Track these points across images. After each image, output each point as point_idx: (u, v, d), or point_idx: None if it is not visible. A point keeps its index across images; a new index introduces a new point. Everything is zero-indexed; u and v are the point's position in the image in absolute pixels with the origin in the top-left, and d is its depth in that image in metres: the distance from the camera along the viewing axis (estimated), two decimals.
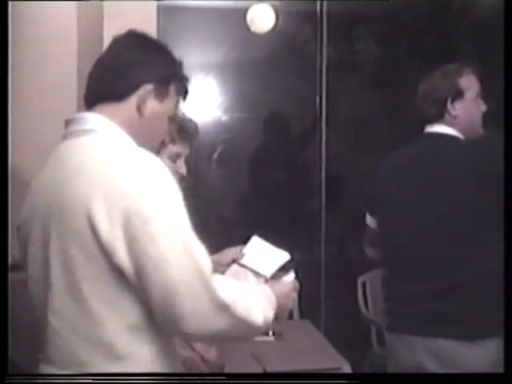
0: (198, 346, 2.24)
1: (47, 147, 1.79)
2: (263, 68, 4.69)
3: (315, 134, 4.71)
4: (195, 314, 1.60)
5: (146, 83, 1.75)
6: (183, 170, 2.26)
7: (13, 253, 1.93)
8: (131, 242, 1.57)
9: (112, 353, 1.64)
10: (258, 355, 3.08)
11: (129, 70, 1.76)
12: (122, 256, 1.58)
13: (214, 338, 1.77)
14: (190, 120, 2.32)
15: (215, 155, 4.65)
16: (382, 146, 4.38)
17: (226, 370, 2.44)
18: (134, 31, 1.83)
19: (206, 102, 4.65)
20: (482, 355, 2.56)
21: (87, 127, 1.72)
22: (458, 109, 2.70)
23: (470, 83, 2.75)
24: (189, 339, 1.71)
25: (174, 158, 2.24)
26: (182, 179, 2.23)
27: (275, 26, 4.67)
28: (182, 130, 2.26)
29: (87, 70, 1.82)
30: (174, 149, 2.24)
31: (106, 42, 1.81)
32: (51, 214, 1.66)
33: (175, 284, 1.58)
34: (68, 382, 1.60)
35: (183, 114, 2.30)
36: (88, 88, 1.79)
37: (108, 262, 1.60)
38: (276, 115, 4.76)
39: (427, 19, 4.84)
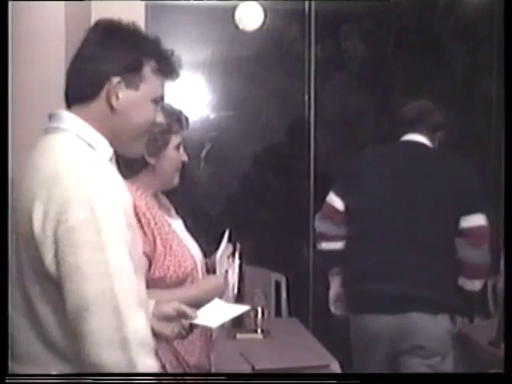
0: (180, 346, 2.23)
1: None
2: (251, 66, 4.69)
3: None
4: (96, 338, 1.51)
5: (112, 76, 1.67)
6: (185, 157, 2.42)
7: None
8: (57, 247, 1.53)
9: (59, 353, 1.59)
10: (246, 353, 3.09)
11: (93, 66, 1.68)
12: (49, 260, 1.55)
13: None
14: (180, 111, 2.43)
15: (203, 153, 4.65)
16: (371, 145, 4.39)
17: (214, 369, 2.43)
18: (100, 22, 1.76)
19: (194, 99, 4.64)
20: (441, 326, 2.93)
21: (62, 126, 1.68)
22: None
23: None
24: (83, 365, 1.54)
25: (177, 148, 2.39)
26: (183, 165, 2.43)
27: (263, 25, 4.67)
28: (180, 120, 2.40)
29: None
30: (176, 139, 2.38)
31: None
32: (13, 210, 1.69)
33: (87, 300, 1.51)
34: (68, 382, 1.58)
35: (173, 107, 2.41)
36: (65, 88, 1.75)
37: (42, 264, 1.56)
38: (264, 114, 4.76)
39: (414, 18, 4.86)
